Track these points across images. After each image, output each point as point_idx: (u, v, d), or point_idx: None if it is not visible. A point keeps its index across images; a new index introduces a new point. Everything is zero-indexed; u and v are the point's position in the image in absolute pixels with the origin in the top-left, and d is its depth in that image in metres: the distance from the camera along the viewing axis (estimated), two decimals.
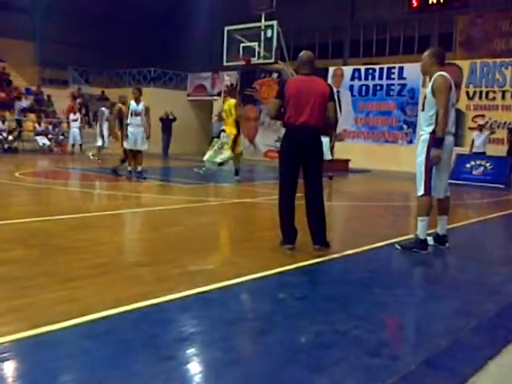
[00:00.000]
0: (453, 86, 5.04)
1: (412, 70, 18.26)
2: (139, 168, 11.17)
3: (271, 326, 3.04)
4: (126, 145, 11.09)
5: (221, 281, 3.80)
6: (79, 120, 20.17)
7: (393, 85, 19.47)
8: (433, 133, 4.98)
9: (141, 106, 11.13)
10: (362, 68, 20.48)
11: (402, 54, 23.21)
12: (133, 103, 11.09)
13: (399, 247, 5.24)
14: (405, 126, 19.13)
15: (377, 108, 19.85)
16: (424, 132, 5.13)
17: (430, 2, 21.51)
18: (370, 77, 20.08)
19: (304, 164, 4.89)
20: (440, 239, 5.41)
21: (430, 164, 5.01)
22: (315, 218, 4.91)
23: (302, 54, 5.03)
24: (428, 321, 3.36)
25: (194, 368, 2.53)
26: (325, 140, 15.28)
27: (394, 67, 19.56)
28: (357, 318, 3.25)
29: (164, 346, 2.69)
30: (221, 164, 13.57)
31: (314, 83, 4.85)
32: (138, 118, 11.06)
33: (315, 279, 4.27)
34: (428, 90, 5.08)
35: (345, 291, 3.90)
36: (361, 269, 4.64)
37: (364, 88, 20.21)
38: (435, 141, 4.96)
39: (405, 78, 19.11)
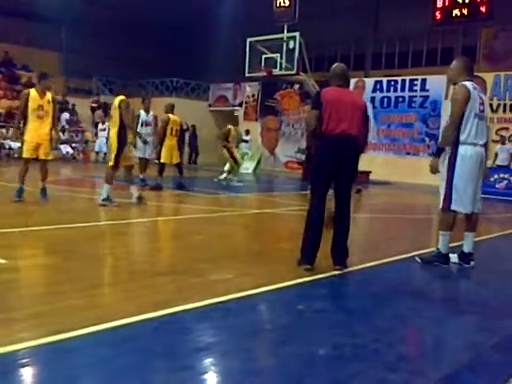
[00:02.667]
0: (477, 95, 4.83)
1: (435, 82, 18.16)
2: (141, 176, 11.18)
3: (289, 338, 3.03)
4: (135, 153, 11.13)
5: (239, 291, 3.80)
6: (107, 130, 20.48)
7: (415, 97, 19.38)
8: (456, 144, 4.82)
9: (151, 116, 11.27)
10: (384, 80, 20.42)
11: (424, 67, 23.09)
12: (143, 113, 11.22)
13: (420, 260, 5.17)
14: (426, 139, 18.99)
15: (398, 120, 19.76)
16: None
17: (454, 15, 21.34)
18: (391, 89, 20.02)
19: (338, 175, 4.57)
20: (465, 257, 5.17)
21: (451, 177, 4.84)
22: (340, 237, 4.65)
23: (335, 66, 4.88)
24: (448, 336, 3.32)
25: (212, 378, 2.53)
26: None
27: (417, 79, 19.47)
28: (376, 331, 3.23)
29: (182, 356, 2.70)
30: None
31: (351, 94, 4.92)
32: (149, 127, 11.20)
33: (334, 291, 4.24)
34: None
35: (364, 304, 3.87)
36: (381, 282, 4.60)
37: (386, 100, 20.14)
38: (436, 149, 5.03)
39: (427, 90, 19.00)
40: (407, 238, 6.99)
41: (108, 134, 19.67)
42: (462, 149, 4.79)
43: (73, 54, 26.52)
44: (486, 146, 4.96)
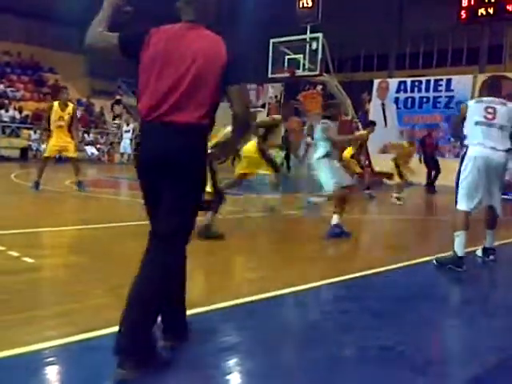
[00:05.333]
0: (481, 107, 5.18)
1: (460, 82, 17.91)
2: None
3: (314, 339, 3.02)
4: None
5: (264, 292, 3.80)
6: (131, 131, 20.85)
7: (440, 97, 19.13)
8: (466, 146, 5.23)
9: None
10: (408, 80, 20.21)
11: (449, 66, 22.80)
12: None
13: (436, 262, 5.11)
14: (452, 140, 18.73)
15: (423, 121, 19.53)
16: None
17: (480, 14, 21.05)
18: (416, 89, 19.80)
19: (160, 196, 2.60)
20: (485, 251, 5.44)
21: (458, 176, 5.18)
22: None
23: None
24: (476, 338, 3.27)
25: (236, 379, 2.54)
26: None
27: (442, 79, 19.22)
28: (402, 333, 3.20)
29: (206, 356, 2.71)
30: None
31: (192, 36, 2.57)
32: None
33: (359, 293, 4.21)
34: None
35: (389, 306, 3.83)
36: (406, 283, 4.56)
37: (410, 100, 19.92)
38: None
39: (452, 90, 18.75)
40: (432, 240, 6.91)
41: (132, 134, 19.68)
42: (469, 151, 5.14)
43: (97, 56, 26.80)
44: (507, 151, 5.13)
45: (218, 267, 4.61)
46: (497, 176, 5.11)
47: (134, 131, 21.73)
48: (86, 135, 21.53)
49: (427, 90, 19.47)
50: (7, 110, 20.39)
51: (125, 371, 2.32)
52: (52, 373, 2.46)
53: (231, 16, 28.70)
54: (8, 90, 21.95)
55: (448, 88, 18.97)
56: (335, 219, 6.39)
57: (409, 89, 19.97)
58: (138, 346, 2.40)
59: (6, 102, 20.94)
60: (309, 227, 7.75)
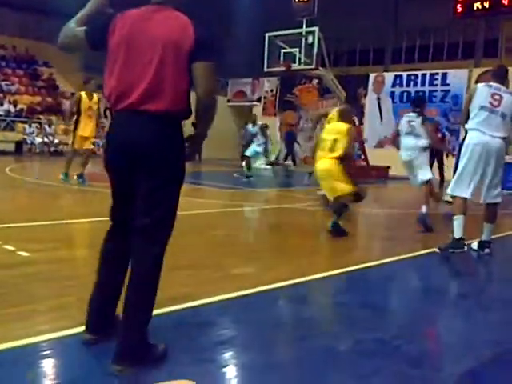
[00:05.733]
0: (489, 91, 5.23)
1: (456, 76, 17.94)
2: None
3: (311, 332, 3.02)
4: None
5: (260, 285, 3.80)
6: None
7: (435, 91, 19.16)
8: (466, 131, 5.37)
9: None
10: (404, 74, 20.23)
11: (445, 60, 22.81)
12: None
13: (438, 251, 5.21)
14: (447, 134, 18.75)
15: None
16: None
17: (476, 8, 21.05)
18: (411, 83, 19.82)
19: (131, 189, 2.58)
20: (481, 245, 5.42)
21: (456, 163, 5.48)
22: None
23: None
24: (472, 332, 3.28)
25: (233, 372, 2.53)
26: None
27: (437, 73, 19.24)
28: (397, 326, 3.21)
29: (203, 349, 2.70)
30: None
31: (156, 20, 2.46)
32: None
33: (355, 286, 4.22)
34: None
35: (385, 299, 3.84)
36: (402, 277, 4.57)
37: (405, 94, 19.94)
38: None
39: (448, 84, 18.78)
40: (427, 233, 6.92)
41: None
42: (468, 136, 5.25)
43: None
44: (505, 139, 5.21)
45: (213, 260, 4.61)
46: (496, 162, 5.17)
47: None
48: None
49: (423, 84, 19.50)
50: (2, 104, 20.29)
51: (121, 367, 2.32)
52: (47, 366, 2.45)
53: (227, 10, 28.62)
54: (3, 83, 21.82)
55: (444, 82, 18.99)
56: (425, 208, 6.76)
57: (404, 83, 20.00)
58: (138, 342, 2.40)
59: (1, 95, 20.84)
60: (304, 219, 7.75)
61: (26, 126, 19.69)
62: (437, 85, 19.15)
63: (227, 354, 2.69)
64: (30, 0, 24.04)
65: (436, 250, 5.23)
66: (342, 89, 17.26)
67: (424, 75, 19.55)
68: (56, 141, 20.04)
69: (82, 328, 2.77)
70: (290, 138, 21.31)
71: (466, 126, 5.30)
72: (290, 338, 3.03)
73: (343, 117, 6.85)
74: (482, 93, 5.26)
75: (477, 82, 5.83)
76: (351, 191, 6.30)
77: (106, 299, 2.65)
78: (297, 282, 3.97)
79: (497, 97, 5.22)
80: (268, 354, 2.72)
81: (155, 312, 3.08)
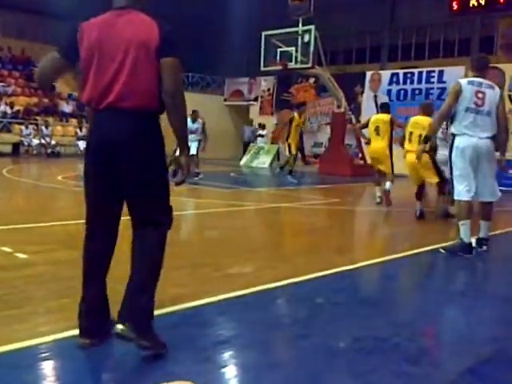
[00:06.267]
0: (472, 90, 5.10)
1: (452, 74, 17.87)
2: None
3: (309, 331, 3.03)
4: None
5: (259, 284, 3.81)
6: None
7: (432, 89, 19.13)
8: (452, 135, 5.22)
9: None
10: (401, 72, 20.20)
11: (441, 58, 22.83)
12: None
13: (443, 251, 5.19)
14: (446, 131, 18.77)
15: (416, 113, 19.54)
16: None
17: (471, 5, 21.08)
18: (408, 81, 19.78)
19: (123, 187, 2.72)
20: (478, 242, 5.38)
21: (451, 169, 5.23)
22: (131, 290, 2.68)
23: None
24: (470, 329, 3.29)
25: (232, 371, 2.54)
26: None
27: (434, 71, 19.22)
28: (396, 324, 3.21)
29: (202, 349, 2.71)
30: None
31: (125, 21, 2.57)
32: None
33: (354, 285, 4.23)
34: None
35: (384, 297, 3.85)
36: (402, 275, 4.57)
37: (402, 92, 19.91)
38: (423, 138, 5.74)
39: (445, 82, 18.74)
40: (426, 231, 6.94)
41: None
42: (456, 140, 5.16)
43: None
44: (494, 138, 5.17)
45: (212, 259, 4.61)
46: (487, 162, 5.16)
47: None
48: (78, 130, 21.41)
49: (419, 81, 19.47)
50: None
51: (124, 327, 2.50)
52: (46, 368, 2.45)
53: (223, 9, 28.62)
54: None
55: (440, 79, 18.97)
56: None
57: (401, 81, 19.96)
58: (148, 309, 2.59)
59: None
60: (302, 218, 7.76)
61: (23, 127, 19.63)
62: (433, 82, 19.13)
63: (227, 354, 2.70)
64: (26, 1, 24.00)
65: (441, 250, 5.22)
66: (339, 87, 17.26)
67: (420, 73, 19.53)
68: (53, 142, 20.00)
69: None
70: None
71: (453, 131, 5.18)
72: (289, 337, 3.04)
73: (426, 111, 8.03)
74: (467, 93, 5.12)
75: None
76: (438, 181, 7.33)
77: (97, 301, 2.72)
78: (295, 281, 3.98)
79: (480, 95, 5.13)
80: (267, 353, 2.74)
81: (155, 313, 3.11)
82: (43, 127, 19.98)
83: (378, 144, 8.94)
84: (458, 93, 5.11)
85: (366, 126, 9.49)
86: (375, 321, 3.26)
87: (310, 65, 16.50)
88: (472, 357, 2.77)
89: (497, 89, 5.24)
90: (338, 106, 17.78)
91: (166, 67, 2.47)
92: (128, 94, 2.47)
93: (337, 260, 4.76)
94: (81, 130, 21.42)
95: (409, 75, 19.97)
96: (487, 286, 4.51)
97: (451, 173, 5.22)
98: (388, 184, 8.81)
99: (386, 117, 9.08)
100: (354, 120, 16.75)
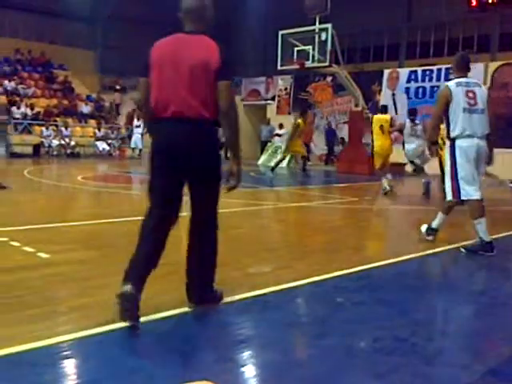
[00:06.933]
0: (463, 91, 5.12)
1: (472, 71, 17.69)
2: None
3: (329, 330, 3.02)
4: None
5: (278, 284, 3.81)
6: (142, 126, 21.05)
7: None
8: (452, 139, 5.14)
9: None
10: (419, 69, 20.03)
11: None
12: None
13: (464, 250, 5.15)
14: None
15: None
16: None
17: (490, 1, 20.79)
18: (427, 78, 19.61)
19: (186, 185, 3.27)
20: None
21: (455, 171, 5.13)
22: (193, 269, 3.28)
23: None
24: (491, 329, 3.25)
25: (252, 370, 2.54)
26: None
27: None
28: (416, 324, 3.19)
29: (222, 348, 2.72)
30: (273, 168, 13.71)
31: (189, 44, 3.03)
32: None
33: (372, 284, 4.20)
34: None
35: (404, 297, 3.82)
36: (420, 274, 4.54)
37: (421, 90, 19.75)
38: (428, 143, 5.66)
39: None
40: (444, 230, 6.86)
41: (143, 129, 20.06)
42: (458, 142, 5.10)
43: (107, 52, 26.98)
44: (488, 136, 5.18)
45: (231, 258, 4.62)
46: (483, 160, 5.24)
47: (144, 126, 21.91)
48: (96, 131, 21.62)
49: (438, 79, 19.27)
50: (19, 107, 20.51)
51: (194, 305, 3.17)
52: (66, 367, 2.48)
53: (240, 9, 28.65)
54: (19, 87, 22.06)
55: None
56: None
57: (420, 78, 19.79)
58: (209, 289, 3.26)
59: (18, 99, 21.07)
60: (321, 217, 7.73)
61: (43, 128, 19.89)
62: (452, 79, 18.93)
63: (246, 353, 2.70)
64: (45, 4, 24.29)
65: (461, 249, 5.18)
66: (357, 85, 17.16)
67: (439, 70, 19.33)
68: (72, 143, 20.22)
69: (102, 328, 2.82)
70: (330, 136, 21.57)
71: (452, 135, 5.13)
72: (308, 337, 3.03)
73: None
74: (459, 94, 5.11)
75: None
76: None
77: (146, 264, 3.10)
78: (314, 280, 3.97)
79: (471, 94, 5.14)
80: (287, 352, 2.73)
81: (177, 311, 3.13)
82: (63, 128, 20.21)
83: (386, 141, 10.69)
84: (447, 97, 5.13)
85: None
86: (395, 320, 3.24)
87: (327, 63, 16.43)
88: (493, 357, 2.74)
89: (483, 86, 5.31)
90: (356, 105, 17.69)
91: (222, 89, 2.93)
92: (189, 106, 2.91)
93: (355, 259, 4.74)
94: (99, 131, 21.64)
95: (427, 72, 19.79)
96: (507, 286, 4.45)
97: (455, 175, 5.11)
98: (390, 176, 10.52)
99: (387, 117, 11.03)
100: (371, 119, 16.63)
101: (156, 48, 3.05)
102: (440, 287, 4.13)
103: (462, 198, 5.13)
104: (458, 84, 5.18)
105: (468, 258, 4.99)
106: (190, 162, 2.97)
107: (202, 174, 3.04)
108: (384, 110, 11.54)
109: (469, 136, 5.07)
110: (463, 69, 5.37)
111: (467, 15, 22.18)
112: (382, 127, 10.63)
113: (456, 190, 5.13)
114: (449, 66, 19.17)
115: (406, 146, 10.41)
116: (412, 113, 10.81)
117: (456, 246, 5.35)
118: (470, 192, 5.08)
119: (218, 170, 3.11)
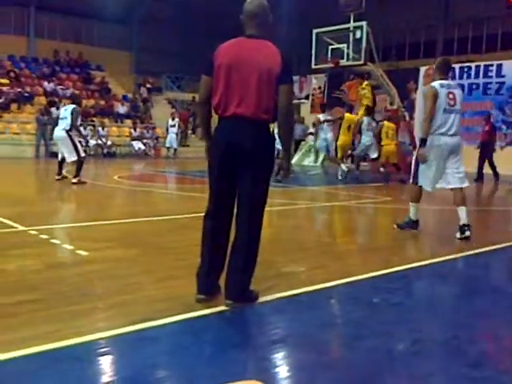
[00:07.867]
0: (445, 92, 5.53)
1: (511, 67, 17.25)
2: None
3: (365, 332, 2.99)
4: None
5: (313, 283, 3.79)
6: (177, 126, 21.34)
7: (490, 83, 18.49)
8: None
9: None
10: (457, 66, 19.60)
11: (500, 51, 22.02)
12: None
13: (395, 226, 6.06)
14: (503, 127, 18.09)
15: (472, 108, 18.95)
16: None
17: None
18: (465, 75, 19.18)
19: (236, 179, 3.42)
20: (460, 229, 5.62)
21: (417, 160, 5.76)
22: (232, 266, 3.35)
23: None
24: None
25: (287, 370, 2.54)
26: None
27: (492, 64, 18.56)
28: (456, 326, 3.12)
29: (258, 347, 2.72)
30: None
31: (257, 49, 3.24)
32: None
33: (410, 285, 4.14)
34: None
35: (442, 298, 3.75)
36: (459, 275, 4.45)
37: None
38: (420, 140, 5.74)
39: (503, 76, 18.08)
40: (483, 231, 6.71)
41: (178, 129, 20.30)
42: (432, 139, 5.56)
43: (143, 53, 27.37)
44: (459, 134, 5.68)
45: (265, 258, 4.62)
46: (456, 155, 5.65)
47: (179, 126, 22.14)
48: (132, 131, 21.92)
49: (477, 76, 18.84)
50: (58, 108, 20.96)
51: (231, 302, 3.20)
52: (106, 363, 2.52)
53: (274, 7, 28.59)
54: (58, 88, 22.55)
55: (499, 73, 18.30)
56: None
57: (457, 75, 19.37)
58: (247, 286, 3.30)
59: (56, 99, 21.53)
60: (354, 217, 7.67)
61: (81, 128, 20.26)
62: (491, 76, 18.47)
63: (282, 353, 2.70)
64: (82, 6, 24.77)
65: (394, 226, 6.05)
66: (392, 84, 16.93)
67: (478, 67, 18.89)
68: (109, 143, 20.57)
69: (139, 325, 2.86)
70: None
71: (430, 130, 5.54)
72: (344, 338, 3.00)
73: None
74: (442, 95, 5.53)
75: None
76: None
77: (210, 267, 3.32)
78: (350, 281, 3.93)
79: (451, 95, 5.59)
80: (322, 353, 2.71)
81: (212, 310, 3.16)
82: (99, 128, 20.58)
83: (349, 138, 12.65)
84: (435, 96, 5.51)
85: None
86: (433, 323, 3.18)
87: (361, 61, 16.27)
88: None
89: (460, 88, 5.85)
90: (391, 103, 17.45)
91: (283, 92, 3.15)
92: (250, 106, 3.12)
93: (392, 259, 4.67)
94: (135, 131, 21.95)
95: (465, 69, 19.36)
96: None
97: (418, 164, 5.72)
98: None
99: (354, 117, 12.61)
100: (407, 117, 16.39)
101: (222, 51, 3.20)
102: (481, 289, 4.04)
103: (419, 183, 5.79)
104: (441, 85, 5.60)
105: (509, 260, 4.87)
106: (247, 157, 3.14)
107: (257, 170, 3.20)
108: (349, 109, 13.25)
109: (442, 134, 5.52)
110: (445, 72, 5.85)
111: (507, 11, 21.62)
112: (349, 127, 12.38)
113: (414, 175, 5.86)
114: (488, 63, 18.80)
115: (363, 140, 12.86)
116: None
117: (494, 247, 5.23)
118: (428, 185, 5.77)
119: (271, 168, 3.35)
